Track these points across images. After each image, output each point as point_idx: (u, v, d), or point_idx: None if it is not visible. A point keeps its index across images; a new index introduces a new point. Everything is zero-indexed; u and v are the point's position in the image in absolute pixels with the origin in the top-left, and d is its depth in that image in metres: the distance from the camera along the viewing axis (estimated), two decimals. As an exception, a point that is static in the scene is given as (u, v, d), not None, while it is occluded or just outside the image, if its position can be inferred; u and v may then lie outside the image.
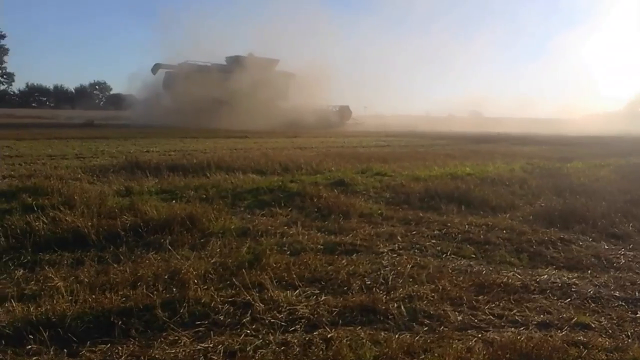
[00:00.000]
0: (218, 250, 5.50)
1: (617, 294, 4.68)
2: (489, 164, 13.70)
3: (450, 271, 5.13)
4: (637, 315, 4.26)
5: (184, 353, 3.42)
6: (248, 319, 3.92)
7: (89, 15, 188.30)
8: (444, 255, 5.71)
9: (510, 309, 4.26)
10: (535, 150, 20.44)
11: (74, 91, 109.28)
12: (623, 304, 4.49)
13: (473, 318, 4.07)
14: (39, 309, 3.87)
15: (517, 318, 4.10)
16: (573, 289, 4.72)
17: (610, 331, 3.94)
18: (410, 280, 4.81)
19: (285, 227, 6.57)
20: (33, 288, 4.35)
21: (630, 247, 6.37)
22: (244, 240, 5.86)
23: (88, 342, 3.53)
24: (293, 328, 3.83)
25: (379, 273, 4.97)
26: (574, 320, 4.06)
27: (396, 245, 6.03)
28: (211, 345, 3.54)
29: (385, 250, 5.81)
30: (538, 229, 6.92)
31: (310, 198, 8.09)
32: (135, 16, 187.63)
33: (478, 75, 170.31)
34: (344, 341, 3.57)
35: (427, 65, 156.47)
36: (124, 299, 4.11)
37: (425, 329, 3.88)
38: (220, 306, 4.08)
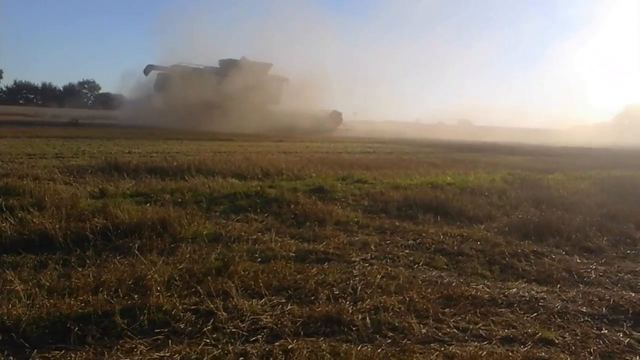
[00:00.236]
0: (187, 256, 5.42)
1: (584, 309, 4.66)
2: (470, 173, 13.70)
3: (420, 282, 5.09)
4: (602, 331, 4.23)
5: (138, 362, 3.34)
6: (209, 327, 3.85)
7: (81, 13, 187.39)
8: (415, 266, 5.68)
9: (475, 323, 4.22)
10: (520, 160, 20.50)
11: (62, 89, 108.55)
12: (589, 319, 4.46)
13: (437, 331, 4.03)
14: (-6, 313, 3.78)
15: (481, 332, 4.07)
16: (541, 303, 4.70)
17: (573, 347, 3.91)
18: (379, 290, 4.76)
19: (259, 234, 6.51)
20: (-9, 291, 4.24)
21: (603, 261, 6.38)
22: (215, 246, 5.78)
23: (42, 348, 3.45)
24: (254, 338, 3.77)
25: (348, 283, 4.92)
26: (538, 335, 4.02)
27: (369, 254, 5.98)
28: (168, 354, 3.47)
29: (358, 259, 5.76)
30: (512, 240, 6.91)
31: (288, 204, 8.03)
32: (127, 15, 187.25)
33: (469, 84, 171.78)
34: (304, 352, 3.52)
35: (419, 72, 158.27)
36: (83, 304, 4.03)
37: (388, 341, 3.83)
38: (182, 314, 4.00)
